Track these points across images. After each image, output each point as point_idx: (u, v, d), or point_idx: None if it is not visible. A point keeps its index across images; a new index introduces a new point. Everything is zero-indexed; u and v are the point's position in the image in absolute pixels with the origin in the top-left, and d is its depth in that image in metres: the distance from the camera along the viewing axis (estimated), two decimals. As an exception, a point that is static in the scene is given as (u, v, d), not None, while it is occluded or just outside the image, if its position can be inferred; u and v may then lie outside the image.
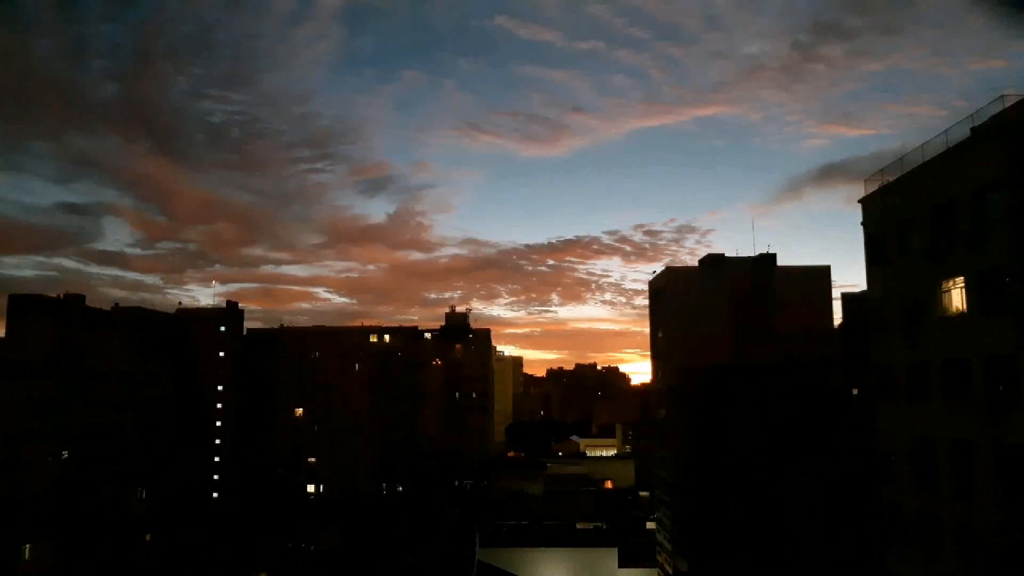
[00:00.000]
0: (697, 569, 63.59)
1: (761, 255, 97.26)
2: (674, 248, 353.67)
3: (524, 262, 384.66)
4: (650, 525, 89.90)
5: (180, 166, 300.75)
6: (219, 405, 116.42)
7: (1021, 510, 23.13)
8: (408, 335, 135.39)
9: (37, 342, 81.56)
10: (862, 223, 34.56)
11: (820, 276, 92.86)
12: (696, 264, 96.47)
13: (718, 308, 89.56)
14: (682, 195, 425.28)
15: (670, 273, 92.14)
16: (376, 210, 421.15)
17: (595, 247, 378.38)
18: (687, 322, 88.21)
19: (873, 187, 33.61)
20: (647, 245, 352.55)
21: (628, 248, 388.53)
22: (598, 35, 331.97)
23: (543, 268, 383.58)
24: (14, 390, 68.50)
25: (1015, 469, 23.78)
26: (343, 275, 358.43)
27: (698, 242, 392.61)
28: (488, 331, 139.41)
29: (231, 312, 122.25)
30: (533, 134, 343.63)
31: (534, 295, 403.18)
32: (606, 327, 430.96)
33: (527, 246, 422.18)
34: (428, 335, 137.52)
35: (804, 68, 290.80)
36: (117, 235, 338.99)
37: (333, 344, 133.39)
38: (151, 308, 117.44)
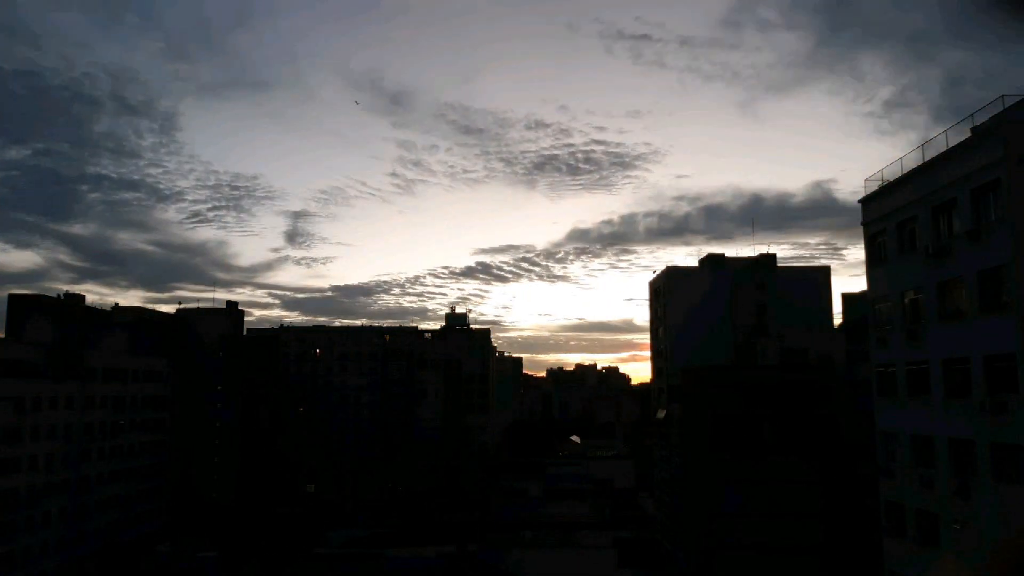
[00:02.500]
0: (697, 569, 63.57)
1: (761, 255, 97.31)
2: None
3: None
4: (650, 525, 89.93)
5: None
6: (218, 406, 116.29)
7: (1020, 509, 23.17)
8: (408, 335, 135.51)
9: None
10: (862, 223, 34.60)
11: (820, 276, 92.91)
12: (695, 264, 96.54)
13: (718, 308, 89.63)
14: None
15: (670, 273, 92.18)
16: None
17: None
18: (687, 322, 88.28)
19: (873, 187, 33.66)
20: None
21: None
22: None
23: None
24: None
25: (1014, 468, 23.83)
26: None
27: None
28: (488, 331, 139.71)
29: (231, 312, 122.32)
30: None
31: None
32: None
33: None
34: (428, 335, 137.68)
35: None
36: None
37: (333, 344, 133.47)
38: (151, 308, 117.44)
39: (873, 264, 33.80)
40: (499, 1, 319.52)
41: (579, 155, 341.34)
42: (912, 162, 30.19)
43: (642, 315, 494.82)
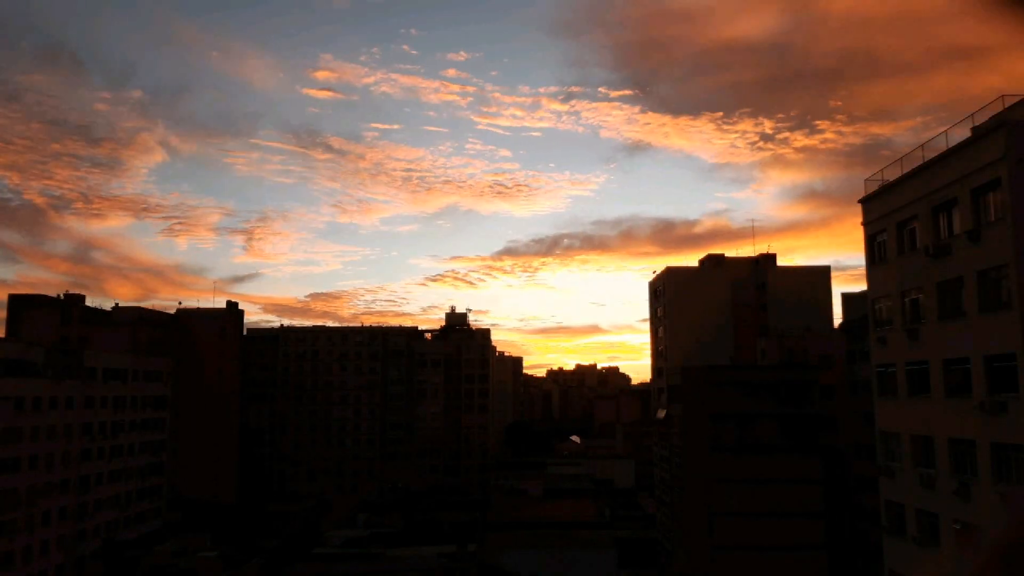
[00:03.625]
0: (697, 569, 63.58)
1: (761, 255, 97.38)
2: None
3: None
4: (650, 525, 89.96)
5: None
6: (219, 405, 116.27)
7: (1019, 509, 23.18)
8: (408, 335, 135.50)
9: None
10: (862, 223, 34.62)
11: (819, 276, 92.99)
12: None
13: (718, 307, 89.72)
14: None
15: (670, 273, 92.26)
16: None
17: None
18: (687, 322, 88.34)
19: (873, 187, 33.68)
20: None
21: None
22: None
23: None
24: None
25: (1014, 468, 23.84)
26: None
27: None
28: (488, 331, 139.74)
29: (231, 312, 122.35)
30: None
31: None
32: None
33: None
34: (428, 335, 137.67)
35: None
36: None
37: (333, 344, 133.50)
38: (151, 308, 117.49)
39: (873, 264, 33.83)
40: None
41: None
42: (912, 162, 30.21)
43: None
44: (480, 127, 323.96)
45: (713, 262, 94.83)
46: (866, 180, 34.20)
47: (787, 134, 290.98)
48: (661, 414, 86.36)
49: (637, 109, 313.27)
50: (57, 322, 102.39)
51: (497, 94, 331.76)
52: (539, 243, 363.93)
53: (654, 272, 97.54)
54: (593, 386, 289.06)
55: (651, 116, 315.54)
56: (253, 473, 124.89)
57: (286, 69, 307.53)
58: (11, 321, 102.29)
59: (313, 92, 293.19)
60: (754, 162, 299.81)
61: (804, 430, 59.60)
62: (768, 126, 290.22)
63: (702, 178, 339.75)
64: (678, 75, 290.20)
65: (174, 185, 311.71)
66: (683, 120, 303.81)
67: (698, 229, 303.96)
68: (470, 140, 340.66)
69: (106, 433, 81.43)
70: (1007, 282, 24.15)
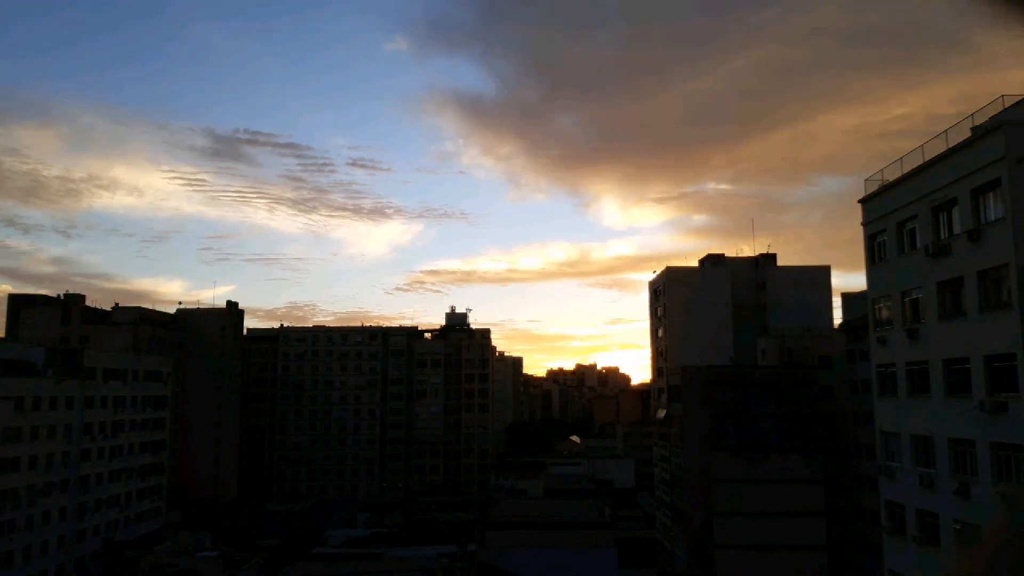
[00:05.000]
0: (697, 569, 63.57)
1: (761, 255, 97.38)
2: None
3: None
4: (650, 525, 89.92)
5: None
6: (219, 405, 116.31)
7: (1020, 509, 23.18)
8: (408, 334, 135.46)
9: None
10: (862, 223, 34.61)
11: (819, 275, 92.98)
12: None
13: (718, 307, 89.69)
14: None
15: (670, 273, 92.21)
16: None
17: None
18: (687, 321, 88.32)
19: (873, 187, 33.66)
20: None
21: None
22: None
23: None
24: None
25: (1014, 468, 23.84)
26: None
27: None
28: (488, 331, 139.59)
29: (231, 312, 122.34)
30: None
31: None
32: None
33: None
34: (428, 335, 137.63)
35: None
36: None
37: (333, 344, 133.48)
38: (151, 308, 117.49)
39: (873, 264, 33.82)
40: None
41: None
42: (912, 162, 30.19)
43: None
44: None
45: (713, 262, 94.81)
46: (866, 180, 34.19)
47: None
48: (661, 414, 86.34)
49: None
50: (57, 322, 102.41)
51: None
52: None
53: (654, 272, 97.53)
54: (593, 386, 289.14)
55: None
56: (253, 473, 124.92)
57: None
58: (11, 321, 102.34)
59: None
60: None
61: (804, 430, 59.61)
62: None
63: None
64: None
65: None
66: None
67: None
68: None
69: (106, 433, 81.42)
70: (1007, 282, 24.14)
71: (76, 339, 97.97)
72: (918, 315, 29.87)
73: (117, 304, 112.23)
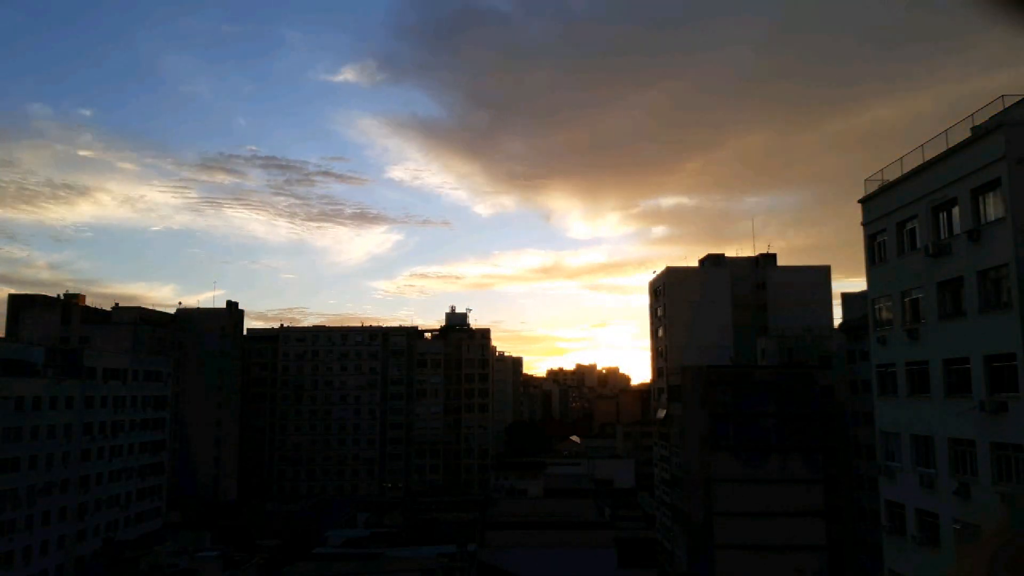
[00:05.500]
0: (697, 569, 63.57)
1: (761, 255, 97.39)
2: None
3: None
4: (650, 525, 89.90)
5: None
6: (219, 405, 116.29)
7: (1020, 509, 23.18)
8: (408, 334, 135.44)
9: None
10: (862, 223, 34.61)
11: (819, 275, 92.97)
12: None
13: (718, 307, 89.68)
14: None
15: (670, 273, 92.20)
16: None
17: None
18: (687, 321, 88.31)
19: (873, 187, 33.66)
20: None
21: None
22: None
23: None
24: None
25: (1014, 468, 23.84)
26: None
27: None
28: (488, 331, 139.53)
29: (231, 312, 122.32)
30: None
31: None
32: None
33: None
34: (428, 335, 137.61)
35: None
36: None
37: (333, 344, 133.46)
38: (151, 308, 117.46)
39: (873, 264, 33.82)
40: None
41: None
42: (912, 162, 30.20)
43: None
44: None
45: (713, 262, 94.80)
46: (866, 180, 34.19)
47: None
48: (661, 414, 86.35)
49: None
50: (57, 322, 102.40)
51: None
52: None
53: (654, 272, 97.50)
54: (593, 386, 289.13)
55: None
56: (253, 473, 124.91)
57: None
58: (11, 321, 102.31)
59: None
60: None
61: (804, 430, 59.61)
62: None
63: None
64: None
65: None
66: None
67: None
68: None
69: (106, 433, 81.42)
70: (1007, 282, 24.14)
71: (76, 339, 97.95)
72: (918, 315, 29.87)
73: (117, 304, 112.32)
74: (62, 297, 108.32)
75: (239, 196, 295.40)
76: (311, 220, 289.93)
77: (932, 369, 28.38)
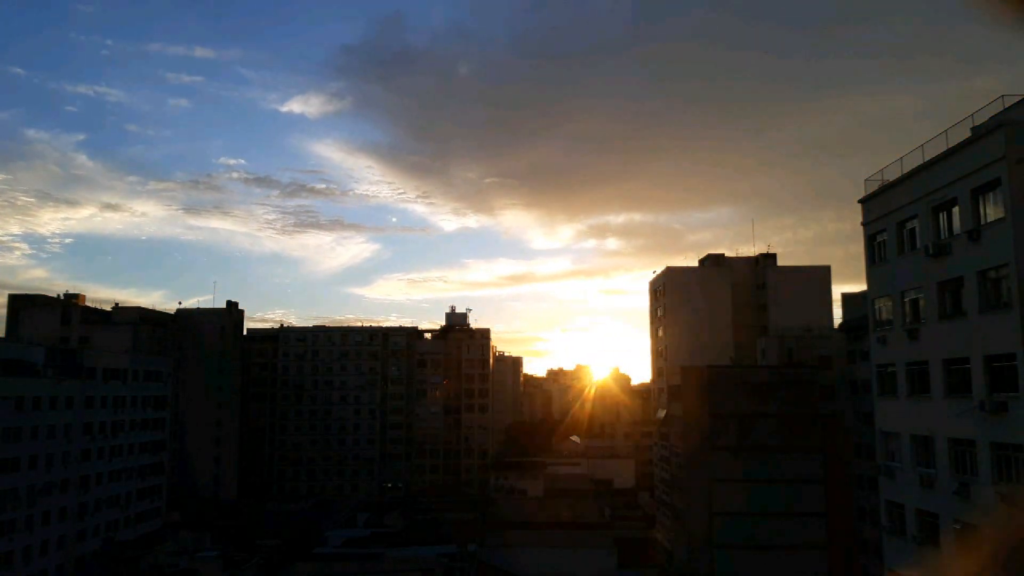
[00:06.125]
0: (697, 568, 63.58)
1: (761, 255, 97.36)
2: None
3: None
4: (650, 525, 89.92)
5: None
6: (219, 405, 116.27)
7: (1020, 509, 23.17)
8: (408, 334, 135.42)
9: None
10: (862, 223, 34.61)
11: (820, 275, 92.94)
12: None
13: (718, 307, 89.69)
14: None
15: (670, 273, 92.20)
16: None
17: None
18: (687, 321, 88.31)
19: (873, 187, 33.66)
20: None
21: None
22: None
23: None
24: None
25: (1014, 468, 23.84)
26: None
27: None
28: (488, 331, 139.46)
29: (231, 311, 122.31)
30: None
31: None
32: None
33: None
34: (428, 335, 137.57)
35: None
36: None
37: (333, 344, 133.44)
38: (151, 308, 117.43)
39: (873, 264, 33.82)
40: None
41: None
42: (912, 162, 30.21)
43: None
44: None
45: (713, 262, 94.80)
46: (866, 180, 34.20)
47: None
48: (661, 414, 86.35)
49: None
50: (57, 322, 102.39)
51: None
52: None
53: (654, 272, 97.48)
54: (593, 386, 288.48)
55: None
56: (253, 473, 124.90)
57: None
58: (11, 321, 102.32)
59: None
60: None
61: (804, 430, 59.60)
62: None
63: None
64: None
65: None
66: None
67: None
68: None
69: (106, 433, 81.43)
70: (1007, 282, 24.14)
71: (76, 339, 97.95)
72: (918, 315, 29.88)
73: (117, 304, 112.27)
74: (62, 297, 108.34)
75: (222, 207, 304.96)
76: (289, 229, 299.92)
77: (932, 369, 28.38)
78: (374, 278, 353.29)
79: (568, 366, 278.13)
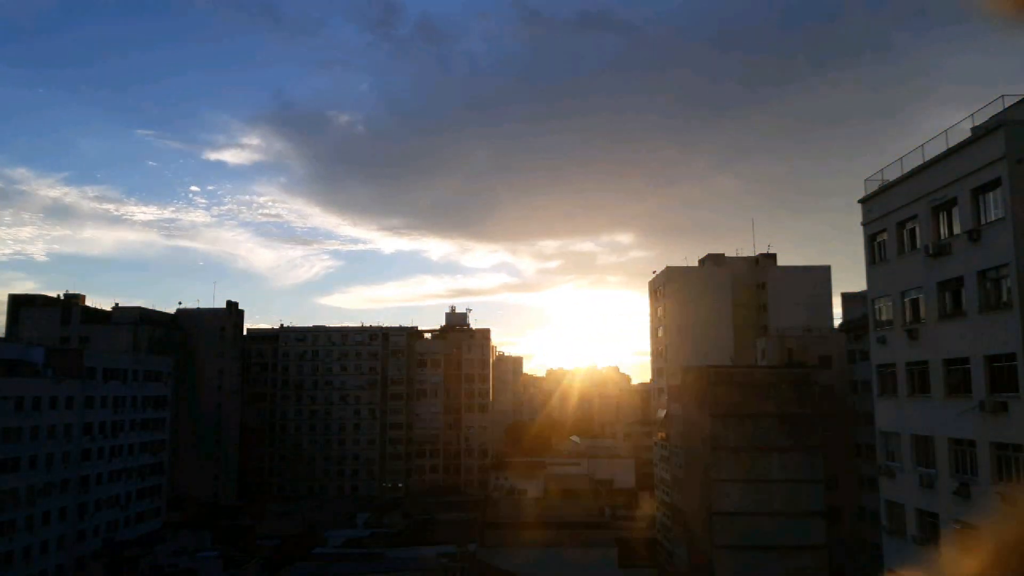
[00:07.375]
0: (697, 569, 63.57)
1: (761, 255, 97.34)
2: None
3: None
4: (650, 525, 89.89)
5: None
6: (218, 405, 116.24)
7: (1020, 509, 23.16)
8: (408, 334, 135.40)
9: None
10: (862, 223, 34.60)
11: (820, 275, 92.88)
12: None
13: (718, 307, 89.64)
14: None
15: (670, 272, 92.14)
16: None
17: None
18: (687, 322, 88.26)
19: (873, 187, 33.65)
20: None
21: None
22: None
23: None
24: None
25: (1014, 468, 23.83)
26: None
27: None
28: (488, 331, 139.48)
29: (231, 311, 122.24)
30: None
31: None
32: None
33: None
34: (428, 335, 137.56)
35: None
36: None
37: (333, 343, 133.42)
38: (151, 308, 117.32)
39: (873, 264, 33.81)
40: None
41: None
42: (912, 161, 30.19)
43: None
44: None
45: (713, 261, 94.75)
46: (866, 180, 34.18)
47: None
48: (661, 414, 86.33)
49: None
50: (57, 322, 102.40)
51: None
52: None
53: (654, 272, 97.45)
54: (593, 386, 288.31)
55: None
56: (253, 473, 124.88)
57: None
58: (11, 321, 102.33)
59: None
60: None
61: (804, 430, 59.54)
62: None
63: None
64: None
65: None
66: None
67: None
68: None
69: (106, 433, 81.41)
70: (1007, 282, 24.13)
71: (76, 339, 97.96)
72: (918, 315, 29.87)
73: (117, 304, 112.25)
74: (62, 297, 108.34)
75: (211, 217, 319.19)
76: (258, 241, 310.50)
77: (932, 369, 28.37)
78: (344, 288, 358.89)
79: (568, 366, 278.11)
